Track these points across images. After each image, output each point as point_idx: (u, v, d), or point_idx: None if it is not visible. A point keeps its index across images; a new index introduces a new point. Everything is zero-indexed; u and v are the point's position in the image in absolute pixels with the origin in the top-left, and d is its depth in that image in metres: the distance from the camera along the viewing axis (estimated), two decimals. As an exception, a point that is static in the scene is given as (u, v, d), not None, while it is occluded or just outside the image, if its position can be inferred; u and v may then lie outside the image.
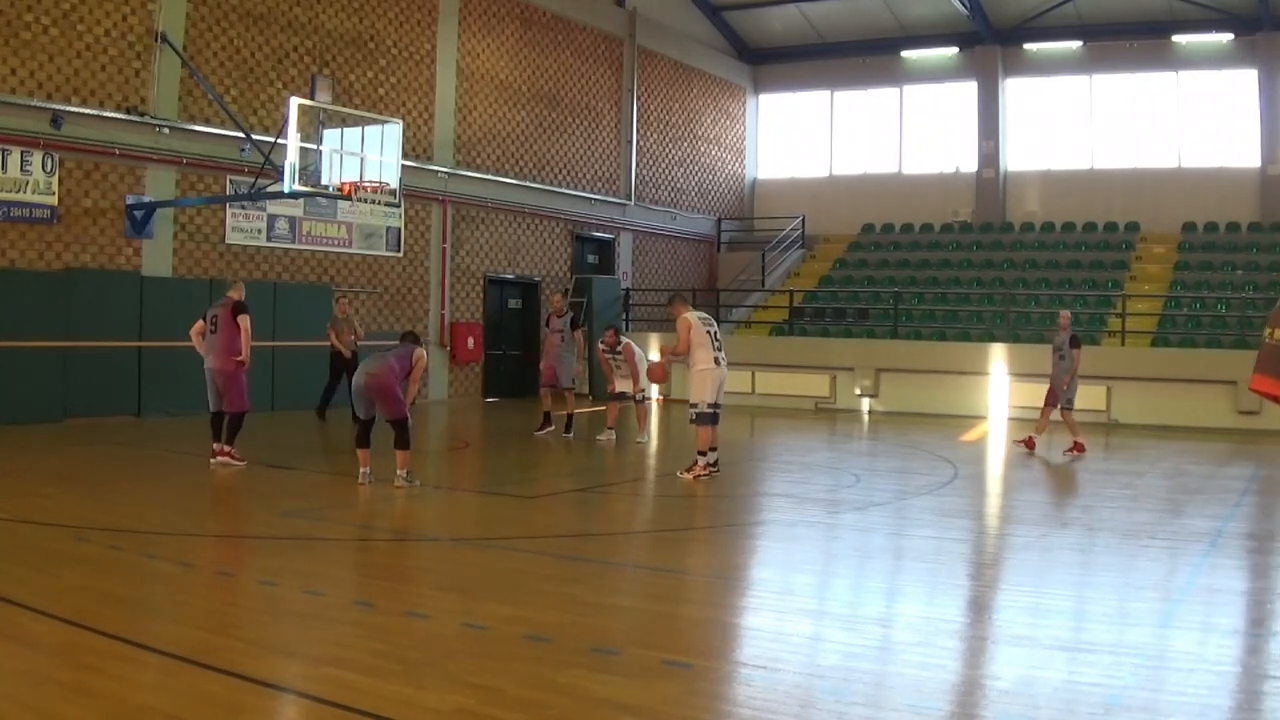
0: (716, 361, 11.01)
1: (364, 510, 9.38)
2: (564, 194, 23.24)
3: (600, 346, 14.66)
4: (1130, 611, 6.33)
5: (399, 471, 10.04)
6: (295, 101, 14.13)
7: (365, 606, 6.02)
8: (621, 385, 14.54)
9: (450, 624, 5.71)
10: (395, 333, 14.88)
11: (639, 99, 25.28)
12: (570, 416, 15.02)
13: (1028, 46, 26.52)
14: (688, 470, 11.01)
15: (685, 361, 11.19)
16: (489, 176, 21.40)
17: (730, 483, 10.94)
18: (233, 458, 11.01)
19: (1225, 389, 18.08)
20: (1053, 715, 4.41)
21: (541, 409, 15.24)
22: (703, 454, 10.96)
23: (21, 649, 5.05)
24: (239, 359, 11.04)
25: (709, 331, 11.08)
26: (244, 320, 11.05)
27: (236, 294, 11.43)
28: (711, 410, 10.99)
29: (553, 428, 14.93)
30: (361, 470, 10.14)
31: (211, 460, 11.04)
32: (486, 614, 5.83)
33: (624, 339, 14.52)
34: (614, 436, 14.34)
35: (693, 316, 11.13)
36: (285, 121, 14.22)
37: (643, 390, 14.65)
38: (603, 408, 15.60)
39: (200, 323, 11.33)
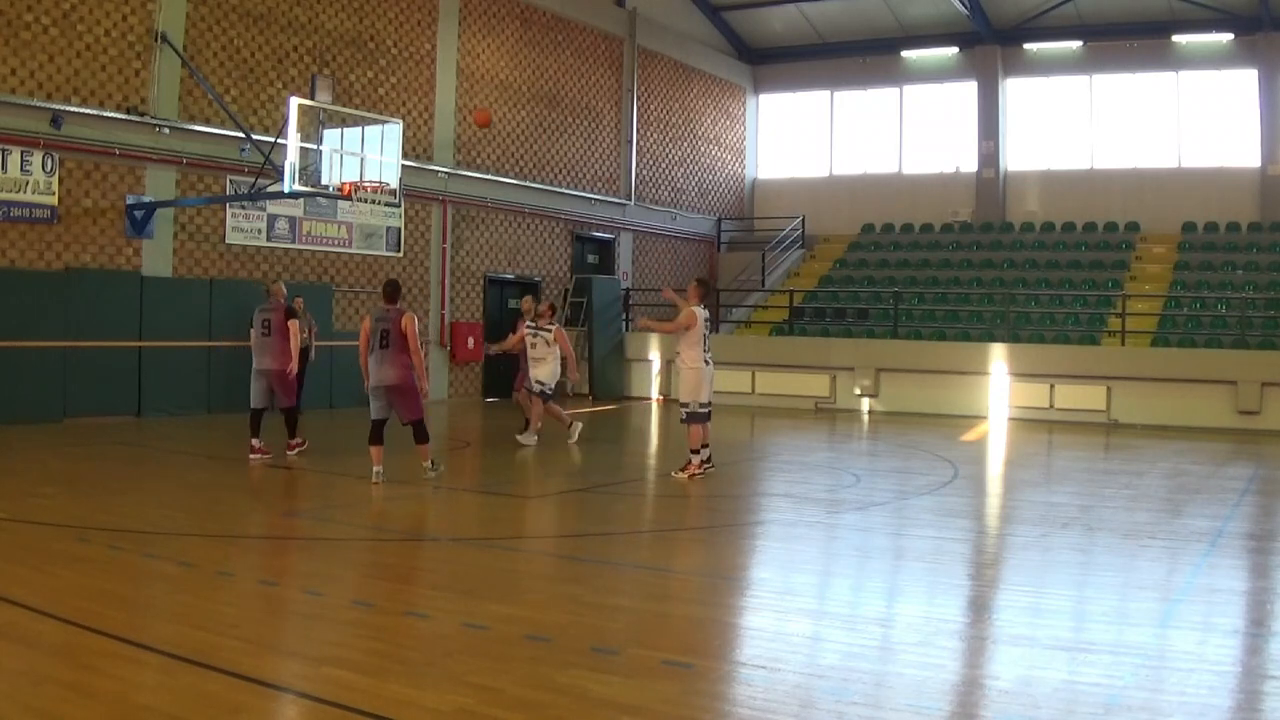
0: (706, 361, 11.01)
1: (364, 510, 9.38)
2: (564, 194, 23.24)
3: (526, 325, 13.64)
4: (1130, 611, 6.33)
5: (424, 463, 10.28)
6: (295, 101, 14.12)
7: (365, 606, 6.02)
8: (536, 372, 13.48)
9: (450, 624, 5.70)
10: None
11: (639, 99, 25.28)
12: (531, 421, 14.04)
13: (1028, 46, 26.52)
14: (682, 470, 11.01)
15: (673, 343, 11.13)
16: (489, 176, 21.40)
17: (730, 483, 10.95)
18: (298, 447, 11.91)
19: (1225, 389, 18.08)
20: (1053, 715, 4.41)
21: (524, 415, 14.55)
22: (695, 453, 10.96)
23: (21, 649, 5.05)
24: (290, 368, 11.83)
25: (704, 334, 11.06)
26: (294, 326, 11.83)
27: (281, 295, 12.24)
28: (703, 410, 10.99)
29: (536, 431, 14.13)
30: (375, 469, 10.13)
31: (251, 456, 11.56)
32: (486, 614, 5.83)
33: (556, 324, 13.76)
34: (535, 438, 13.62)
35: (700, 313, 11.05)
36: (285, 121, 14.22)
37: (544, 383, 13.58)
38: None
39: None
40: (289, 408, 11.99)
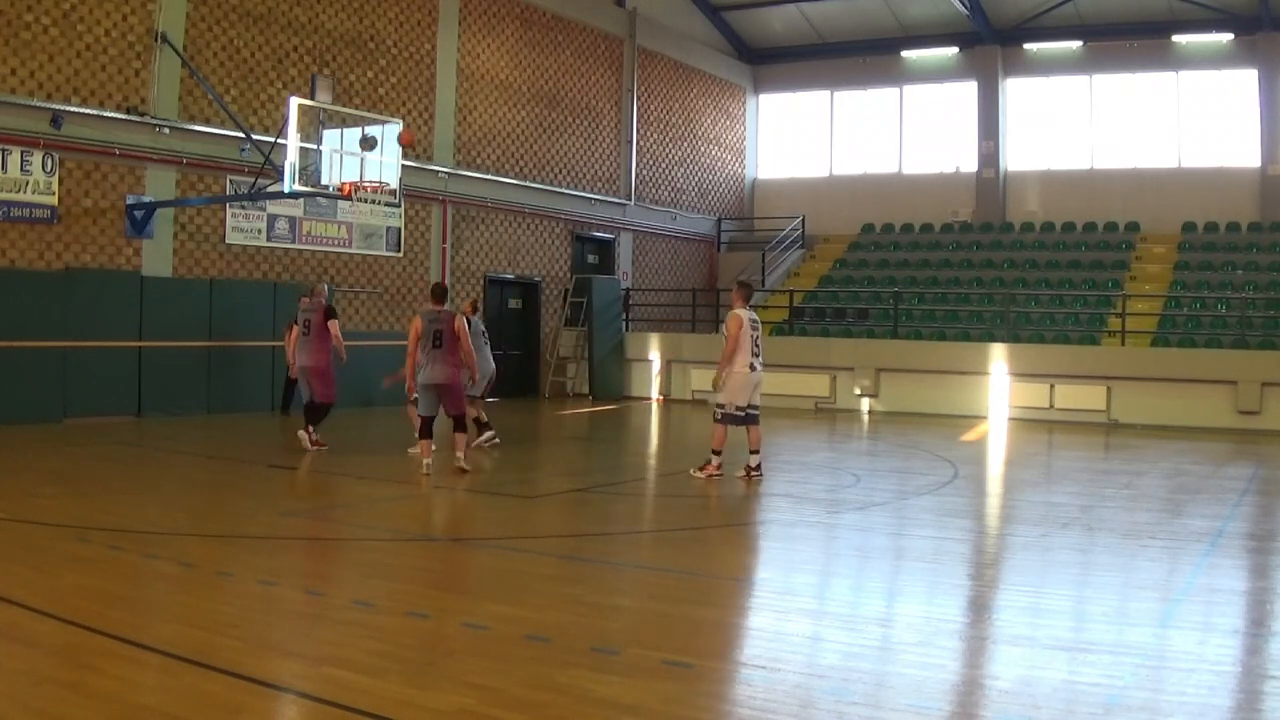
0: (752, 366, 10.84)
1: (364, 510, 9.38)
2: (564, 194, 23.24)
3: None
4: (1130, 611, 6.33)
5: (458, 454, 10.73)
6: (295, 101, 14.12)
7: (365, 606, 6.02)
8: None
9: (450, 624, 5.71)
10: (395, 333, 14.86)
11: (639, 99, 25.28)
12: (479, 421, 13.41)
13: (1028, 46, 26.51)
14: (700, 469, 10.97)
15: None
16: (489, 176, 21.40)
17: (730, 483, 10.94)
18: (316, 441, 12.32)
19: (1225, 389, 18.08)
20: (1053, 715, 4.41)
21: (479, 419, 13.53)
22: (717, 453, 10.89)
23: (21, 649, 5.05)
24: (341, 360, 12.60)
25: (752, 335, 10.87)
26: (334, 325, 12.48)
27: (322, 296, 12.83)
28: (740, 414, 10.86)
29: (492, 433, 13.47)
30: (425, 461, 10.53)
31: (314, 446, 12.28)
32: (486, 614, 5.83)
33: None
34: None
35: (744, 315, 10.87)
36: (285, 121, 14.22)
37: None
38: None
39: (295, 328, 12.69)
40: (322, 403, 12.54)
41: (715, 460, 10.90)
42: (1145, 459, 13.86)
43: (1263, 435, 17.10)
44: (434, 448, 10.73)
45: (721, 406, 10.93)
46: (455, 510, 9.80)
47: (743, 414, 10.89)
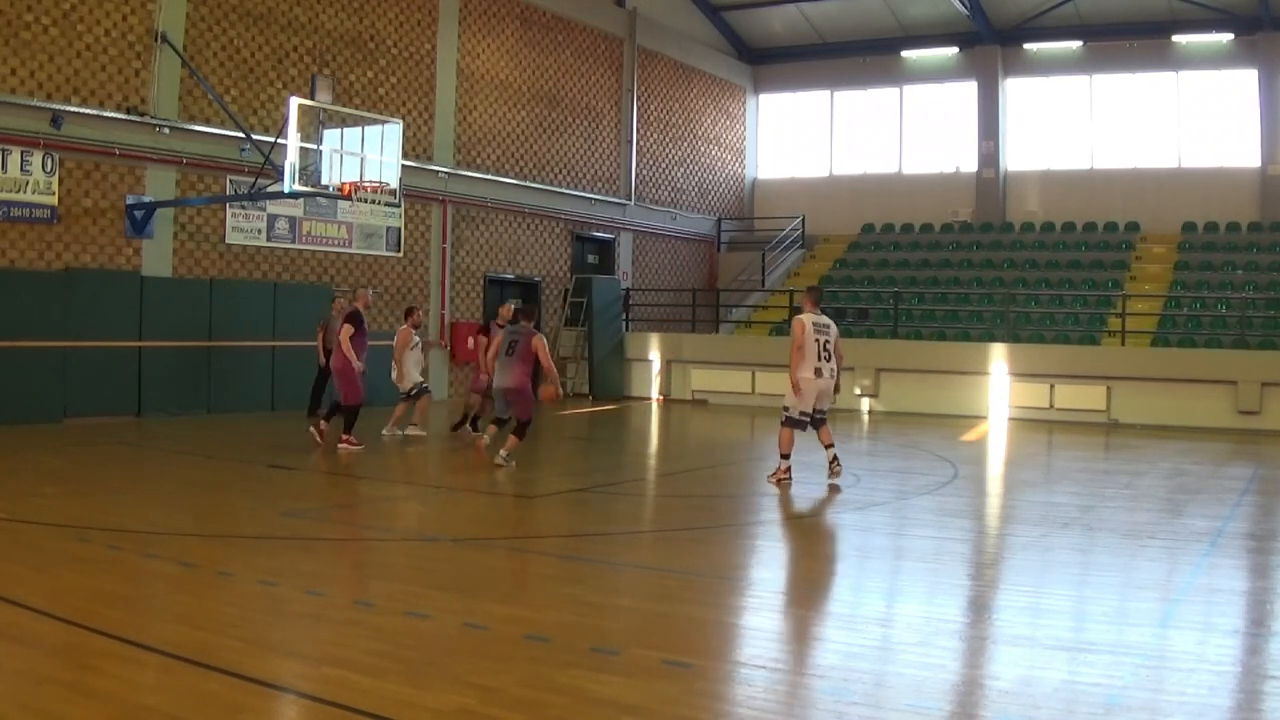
0: (817, 373, 10.67)
1: (364, 510, 9.38)
2: (564, 194, 23.24)
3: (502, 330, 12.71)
4: (1130, 611, 6.33)
5: (501, 452, 11.31)
6: (295, 101, 14.12)
7: (365, 606, 6.02)
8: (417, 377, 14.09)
9: (450, 624, 5.71)
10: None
11: (639, 99, 25.28)
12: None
13: (1028, 46, 26.52)
14: (772, 474, 10.85)
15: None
16: (489, 176, 21.40)
17: (730, 483, 10.95)
18: (351, 443, 12.53)
19: (1225, 389, 18.08)
20: (1053, 715, 4.41)
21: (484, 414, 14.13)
22: (785, 457, 10.80)
23: (21, 649, 5.05)
24: (358, 367, 12.80)
25: (819, 340, 10.71)
26: (344, 332, 12.71)
27: (347, 302, 13.57)
28: (805, 419, 10.76)
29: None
30: (485, 436, 11.49)
31: (310, 429, 12.98)
32: (486, 614, 5.83)
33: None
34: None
35: (809, 320, 10.74)
36: (285, 121, 14.22)
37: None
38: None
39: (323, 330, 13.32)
40: (346, 405, 12.82)
41: (784, 464, 10.79)
42: (1145, 459, 13.86)
43: (1263, 435, 17.10)
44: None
45: (787, 410, 10.83)
46: (456, 510, 9.79)
47: (808, 419, 10.78)
